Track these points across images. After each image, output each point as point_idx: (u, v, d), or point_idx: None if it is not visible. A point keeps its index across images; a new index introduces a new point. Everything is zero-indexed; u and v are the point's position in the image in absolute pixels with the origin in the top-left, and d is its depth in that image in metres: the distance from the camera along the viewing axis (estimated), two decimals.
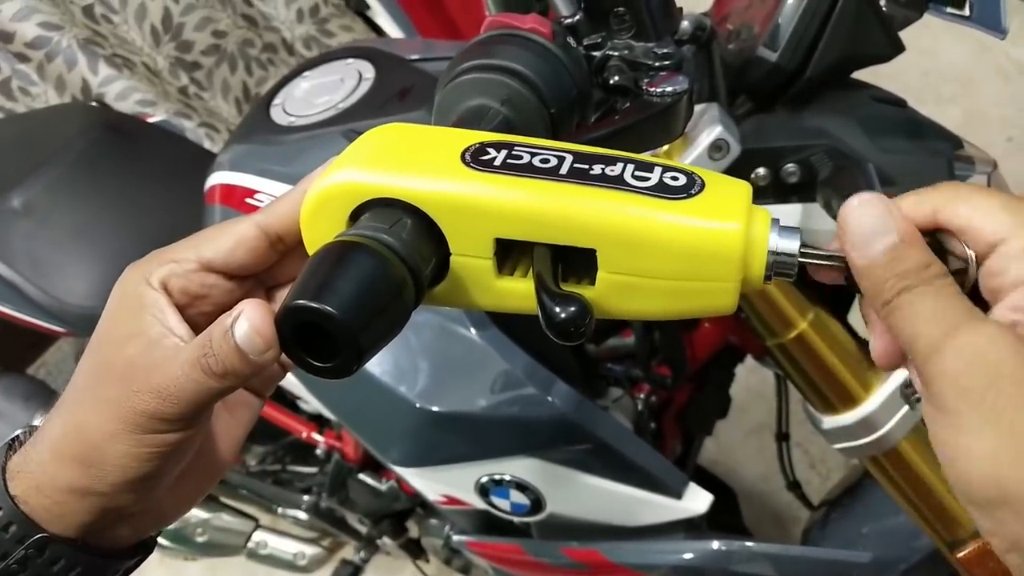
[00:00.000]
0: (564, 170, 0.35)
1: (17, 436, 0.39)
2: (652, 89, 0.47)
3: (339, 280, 0.30)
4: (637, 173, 0.35)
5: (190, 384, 0.35)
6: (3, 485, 0.37)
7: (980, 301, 0.32)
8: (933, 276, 0.31)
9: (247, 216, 0.39)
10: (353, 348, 0.30)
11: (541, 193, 0.34)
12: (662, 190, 0.34)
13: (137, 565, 0.42)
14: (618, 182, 0.34)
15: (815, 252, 0.34)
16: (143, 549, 0.42)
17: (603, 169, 0.35)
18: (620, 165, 0.35)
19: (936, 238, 0.33)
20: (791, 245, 0.34)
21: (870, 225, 0.32)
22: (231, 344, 0.34)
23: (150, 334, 0.36)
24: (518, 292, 0.37)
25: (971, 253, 0.32)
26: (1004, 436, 0.28)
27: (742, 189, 0.35)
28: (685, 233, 0.33)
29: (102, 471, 0.36)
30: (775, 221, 0.35)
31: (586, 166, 0.35)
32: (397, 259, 0.32)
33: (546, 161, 0.35)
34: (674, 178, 0.35)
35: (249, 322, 0.33)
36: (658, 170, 0.35)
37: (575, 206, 0.34)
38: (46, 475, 0.37)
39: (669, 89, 0.47)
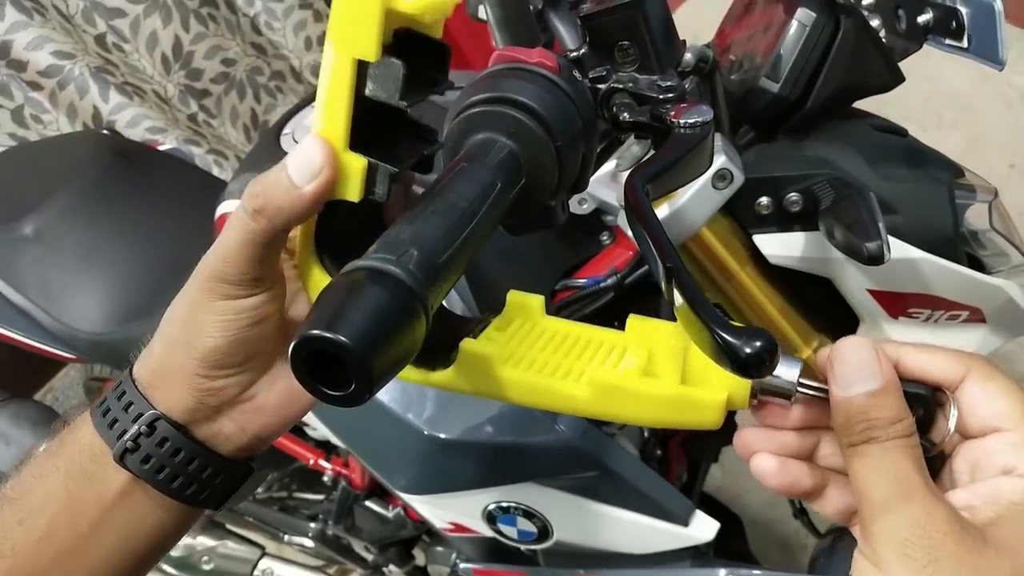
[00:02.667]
0: None
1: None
2: (680, 120, 0.45)
3: (351, 310, 0.31)
4: None
5: (236, 233, 0.36)
6: (130, 371, 0.41)
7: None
8: (899, 434, 0.32)
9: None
10: (365, 376, 0.31)
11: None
12: None
13: (238, 484, 0.43)
14: None
15: (808, 383, 0.36)
16: (244, 468, 0.44)
17: None
18: None
19: (931, 394, 0.35)
20: (789, 372, 0.36)
21: (857, 367, 0.33)
22: (274, 176, 0.36)
23: None
24: (520, 383, 0.39)
25: (951, 426, 0.34)
26: None
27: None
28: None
29: (192, 343, 0.39)
30: None
31: None
32: (406, 288, 0.33)
33: None
34: None
35: (301, 148, 0.35)
36: None
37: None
38: (153, 356, 0.41)
39: (700, 120, 0.45)
